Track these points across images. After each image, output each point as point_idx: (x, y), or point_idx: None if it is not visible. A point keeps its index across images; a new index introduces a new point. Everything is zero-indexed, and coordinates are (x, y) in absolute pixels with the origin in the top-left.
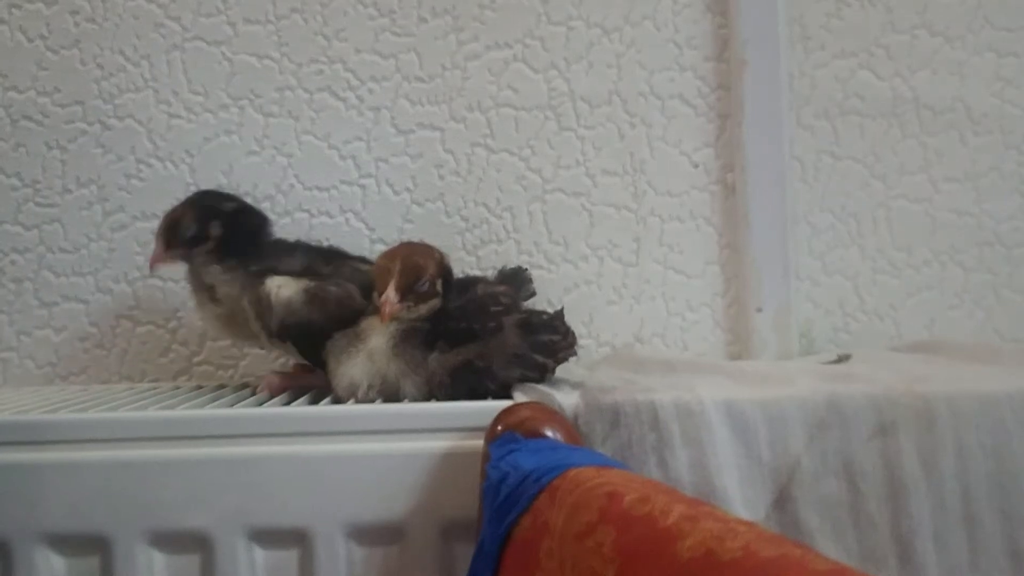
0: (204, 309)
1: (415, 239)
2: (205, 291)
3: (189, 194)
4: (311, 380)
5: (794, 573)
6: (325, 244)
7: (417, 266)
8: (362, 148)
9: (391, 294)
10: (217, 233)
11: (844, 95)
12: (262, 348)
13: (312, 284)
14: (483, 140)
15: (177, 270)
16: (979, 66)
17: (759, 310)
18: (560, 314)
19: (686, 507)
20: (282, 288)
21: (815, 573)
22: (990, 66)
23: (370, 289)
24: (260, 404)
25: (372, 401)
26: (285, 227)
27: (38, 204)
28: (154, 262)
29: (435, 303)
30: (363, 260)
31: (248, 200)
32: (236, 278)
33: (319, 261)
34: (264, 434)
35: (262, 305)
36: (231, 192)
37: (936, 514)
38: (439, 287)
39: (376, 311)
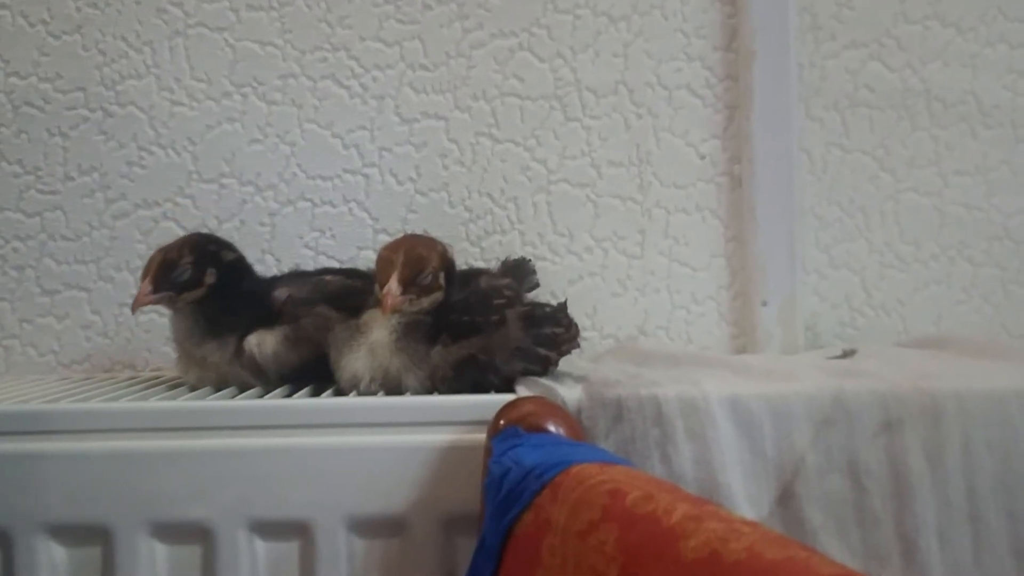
0: (188, 371)
1: (418, 229)
2: (192, 353)
3: (187, 234)
4: None
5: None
6: (282, 271)
7: (420, 258)
8: (366, 137)
9: (393, 286)
10: (211, 282)
11: (854, 86)
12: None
13: (287, 328)
14: (488, 130)
15: None
16: (991, 58)
17: (765, 303)
18: (563, 306)
19: (690, 506)
20: (262, 344)
21: None
22: (1002, 58)
23: (336, 298)
24: (261, 395)
25: (374, 394)
26: (288, 216)
27: (40, 191)
28: (137, 304)
29: (438, 296)
30: (327, 271)
31: (246, 190)
32: (225, 345)
33: (286, 306)
34: (266, 426)
35: (249, 364)
36: (227, 239)
37: (941, 511)
38: (442, 280)
39: (378, 303)
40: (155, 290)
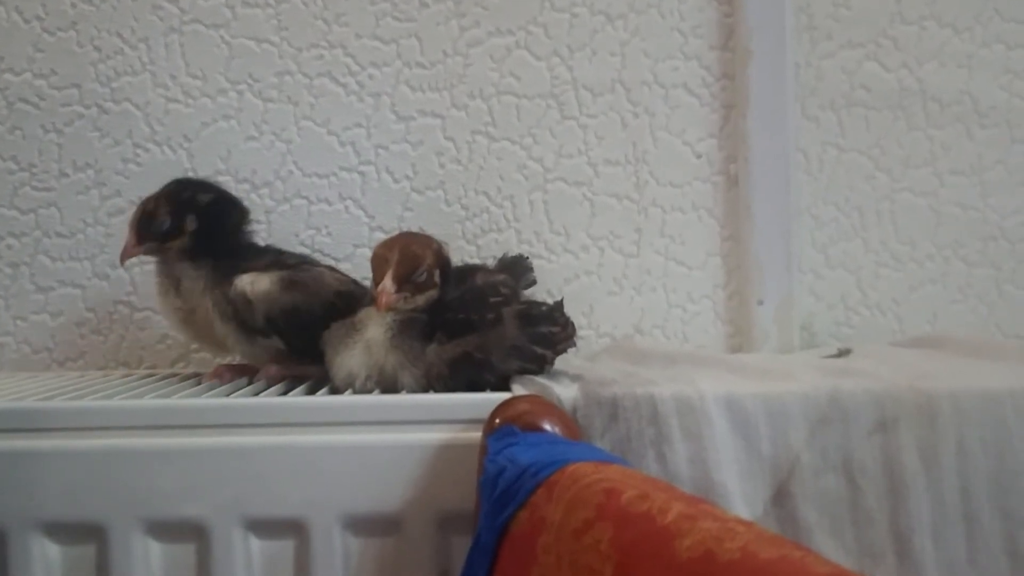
0: (165, 299)
1: (414, 227)
2: (170, 281)
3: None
4: (307, 370)
5: (793, 575)
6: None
7: (415, 256)
8: (362, 135)
9: (388, 284)
10: (192, 228)
11: (850, 86)
12: (218, 351)
13: (284, 272)
14: (484, 128)
15: None
16: (988, 58)
17: (760, 303)
18: (559, 305)
19: (685, 505)
20: (255, 282)
21: None
22: (999, 58)
23: (337, 295)
24: (257, 393)
25: (370, 392)
26: (284, 214)
27: (34, 188)
28: (125, 256)
29: (433, 294)
30: (330, 268)
31: (241, 187)
32: (202, 275)
33: (287, 258)
34: (261, 424)
35: (236, 304)
36: (210, 181)
37: (935, 511)
38: (437, 278)
39: (373, 301)
40: (139, 242)
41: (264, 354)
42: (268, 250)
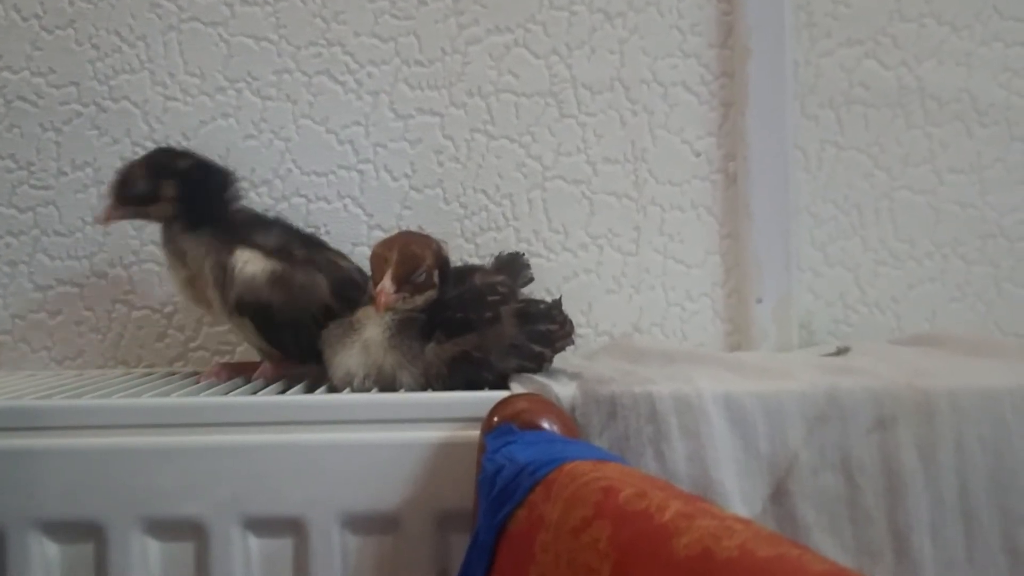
0: (174, 271)
1: (413, 226)
2: (176, 255)
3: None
4: (303, 370)
5: (791, 573)
6: (308, 230)
7: (414, 256)
8: (360, 133)
9: (387, 284)
10: (171, 193)
11: (849, 84)
12: (214, 320)
13: (280, 267)
14: (483, 126)
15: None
16: (986, 56)
17: (759, 301)
18: (558, 303)
19: (683, 503)
20: (248, 264)
21: (812, 574)
22: (997, 56)
23: (341, 284)
24: (255, 392)
25: (368, 391)
26: (282, 212)
27: (32, 186)
28: (101, 218)
29: (431, 294)
30: (341, 255)
31: (245, 186)
32: (203, 242)
33: (296, 243)
34: (260, 422)
35: (225, 275)
36: (191, 150)
37: (934, 508)
38: (436, 278)
39: (372, 300)
40: (116, 205)
41: (239, 331)
42: (275, 224)
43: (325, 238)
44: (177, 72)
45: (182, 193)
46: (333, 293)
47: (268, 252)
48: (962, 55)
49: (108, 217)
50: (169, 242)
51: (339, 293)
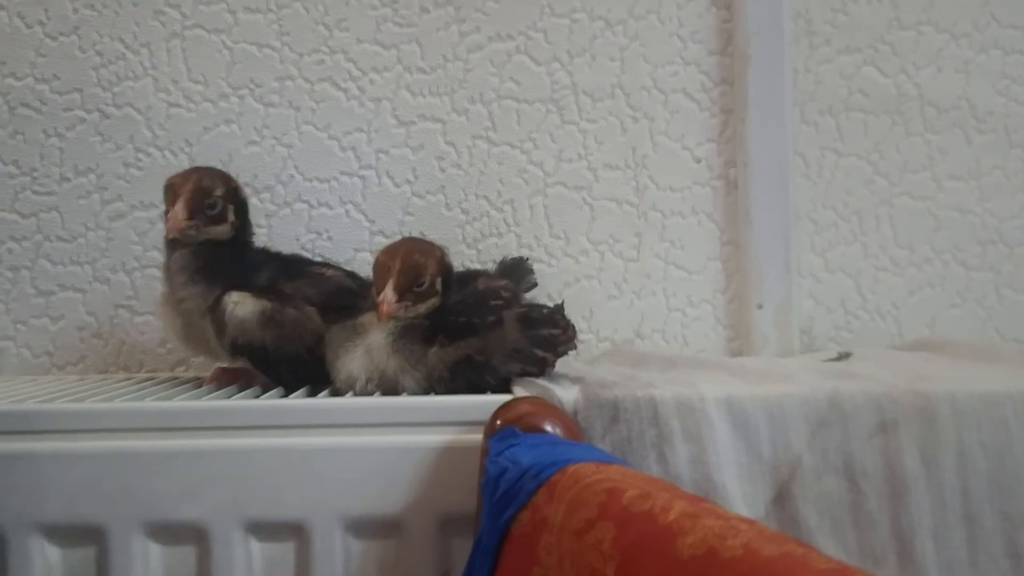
0: (165, 310)
1: (415, 232)
2: (173, 295)
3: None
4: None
5: (796, 572)
6: (287, 252)
7: (417, 265)
8: (363, 139)
9: (389, 294)
10: (232, 219)
11: (848, 91)
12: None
13: (270, 306)
14: (484, 133)
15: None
16: (985, 64)
17: (760, 307)
18: (560, 308)
19: (687, 504)
20: (239, 306)
21: (817, 572)
22: (996, 64)
23: (332, 296)
24: (257, 396)
25: (371, 395)
26: (285, 218)
27: (36, 192)
28: (177, 228)
29: (434, 302)
30: (327, 265)
31: (247, 192)
32: (201, 293)
33: (282, 277)
34: (261, 426)
35: (215, 316)
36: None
37: (936, 513)
38: (438, 286)
39: (375, 306)
40: (190, 216)
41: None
42: (266, 260)
43: (327, 244)
44: (180, 79)
45: (236, 222)
46: (326, 308)
47: (258, 292)
48: (960, 63)
49: (181, 229)
50: (175, 274)
51: (332, 306)
